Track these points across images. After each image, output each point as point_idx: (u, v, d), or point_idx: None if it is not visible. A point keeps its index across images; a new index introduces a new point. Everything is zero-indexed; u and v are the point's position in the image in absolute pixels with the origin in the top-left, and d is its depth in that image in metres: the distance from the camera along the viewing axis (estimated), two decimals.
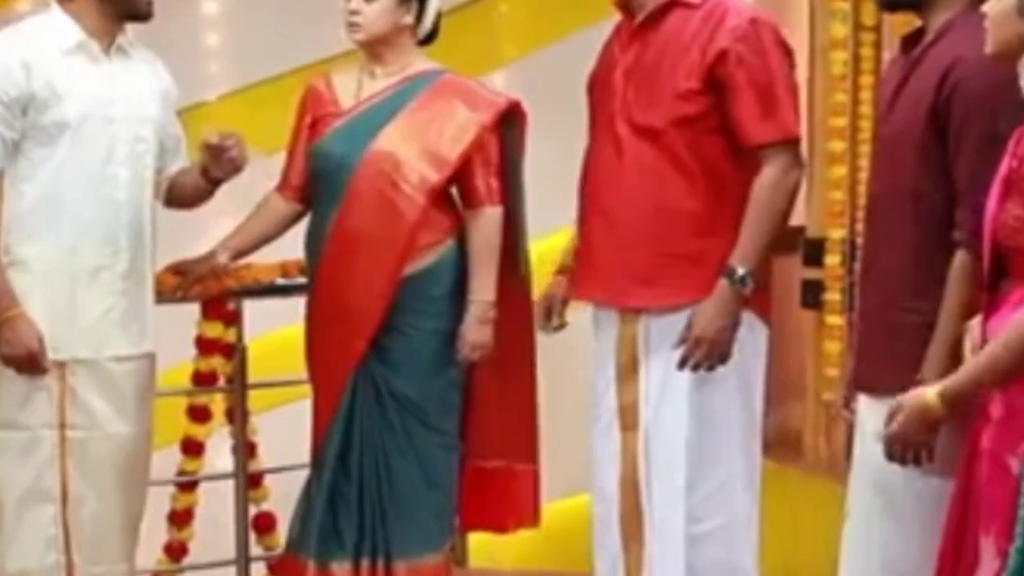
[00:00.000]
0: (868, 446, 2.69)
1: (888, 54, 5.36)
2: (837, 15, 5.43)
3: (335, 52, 5.14)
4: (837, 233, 5.51)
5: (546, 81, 4.58)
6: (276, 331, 4.21)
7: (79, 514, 3.03)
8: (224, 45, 5.54)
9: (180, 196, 3.27)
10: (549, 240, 3.81)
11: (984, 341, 2.40)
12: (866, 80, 5.45)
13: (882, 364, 2.68)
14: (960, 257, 2.56)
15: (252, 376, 3.79)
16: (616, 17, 3.20)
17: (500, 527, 3.53)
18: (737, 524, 3.10)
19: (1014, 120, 2.47)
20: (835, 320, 5.54)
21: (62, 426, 3.01)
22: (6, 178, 3.00)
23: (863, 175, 5.47)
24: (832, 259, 5.52)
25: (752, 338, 3.08)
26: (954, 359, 2.55)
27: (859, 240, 5.46)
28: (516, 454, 3.47)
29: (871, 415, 2.70)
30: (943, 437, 2.60)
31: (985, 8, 2.46)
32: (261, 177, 5.14)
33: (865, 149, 5.47)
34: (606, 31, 3.26)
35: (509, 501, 3.48)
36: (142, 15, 3.05)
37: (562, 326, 3.30)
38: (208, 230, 3.82)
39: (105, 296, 3.05)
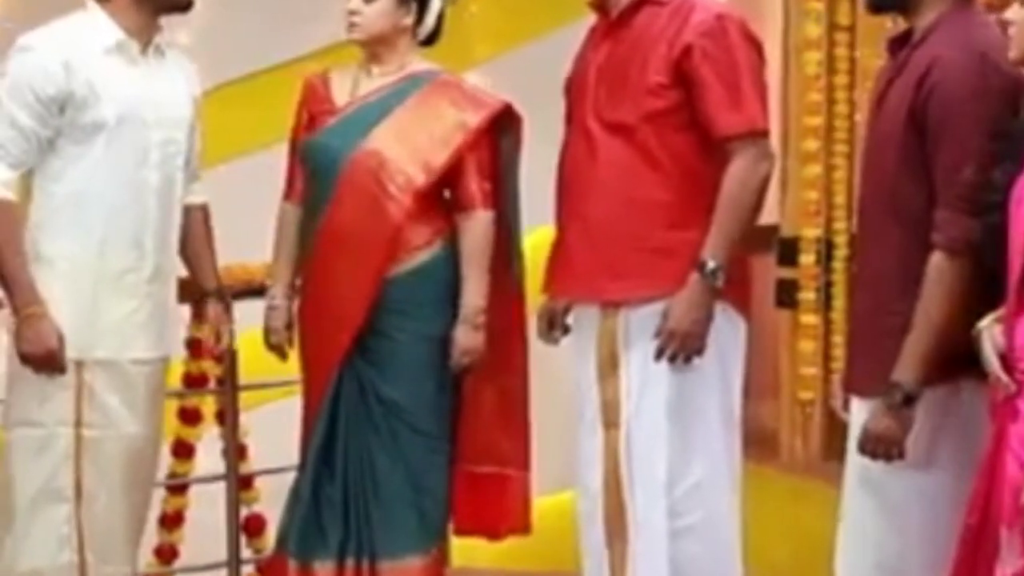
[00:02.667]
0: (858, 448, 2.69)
1: (861, 53, 5.40)
2: (811, 15, 5.46)
3: (308, 51, 5.15)
4: (811, 232, 5.54)
5: (517, 82, 4.57)
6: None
7: (92, 513, 2.99)
8: (196, 44, 5.49)
9: None
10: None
11: (1012, 339, 2.40)
12: (840, 80, 5.48)
13: (870, 367, 2.68)
14: (937, 259, 2.56)
15: (243, 375, 3.75)
16: (588, 17, 3.20)
17: (492, 533, 3.49)
18: (719, 518, 3.09)
19: (991, 121, 2.49)
20: (810, 319, 5.57)
21: (78, 424, 2.97)
22: (37, 175, 2.97)
23: (838, 174, 5.51)
24: (807, 258, 5.54)
25: (731, 331, 3.08)
26: (930, 362, 2.56)
27: (834, 239, 5.51)
28: (508, 460, 3.43)
29: (862, 417, 2.69)
30: (926, 432, 2.62)
31: (1009, 14, 2.48)
32: (241, 177, 5.14)
33: (840, 149, 5.50)
34: (577, 31, 3.26)
35: (501, 507, 3.44)
36: (182, 5, 3.03)
37: (566, 332, 3.27)
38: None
39: (129, 298, 3.02)
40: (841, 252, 5.45)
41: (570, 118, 3.15)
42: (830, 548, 2.83)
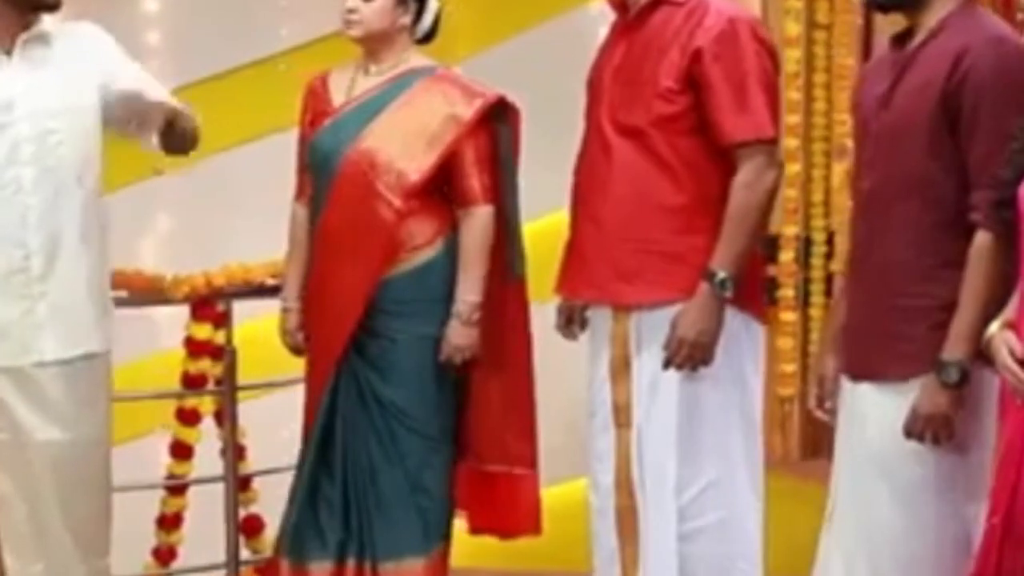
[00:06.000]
0: (870, 435, 2.69)
1: (836, 52, 5.41)
2: (790, 13, 5.47)
3: (277, 50, 5.12)
4: (791, 230, 5.56)
5: (500, 80, 4.55)
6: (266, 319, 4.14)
7: (9, 518, 2.94)
8: (166, 42, 5.46)
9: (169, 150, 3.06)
10: None
11: None
12: (819, 78, 5.50)
13: (893, 351, 2.69)
14: (981, 237, 2.59)
15: (241, 371, 3.73)
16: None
17: (506, 530, 3.48)
18: (733, 521, 3.10)
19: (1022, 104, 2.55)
20: (789, 316, 5.59)
21: None
22: None
23: (816, 172, 5.53)
24: (786, 256, 5.56)
25: (748, 337, 3.09)
26: (977, 340, 2.56)
27: (813, 236, 5.52)
28: (515, 459, 3.42)
29: (875, 403, 2.70)
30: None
31: None
32: (216, 177, 5.10)
33: (819, 147, 5.53)
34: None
35: (513, 505, 3.44)
36: (48, 4, 2.91)
37: (584, 327, 3.25)
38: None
39: (19, 300, 2.92)
40: (819, 249, 5.51)
41: (587, 119, 3.15)
42: (809, 545, 2.83)
